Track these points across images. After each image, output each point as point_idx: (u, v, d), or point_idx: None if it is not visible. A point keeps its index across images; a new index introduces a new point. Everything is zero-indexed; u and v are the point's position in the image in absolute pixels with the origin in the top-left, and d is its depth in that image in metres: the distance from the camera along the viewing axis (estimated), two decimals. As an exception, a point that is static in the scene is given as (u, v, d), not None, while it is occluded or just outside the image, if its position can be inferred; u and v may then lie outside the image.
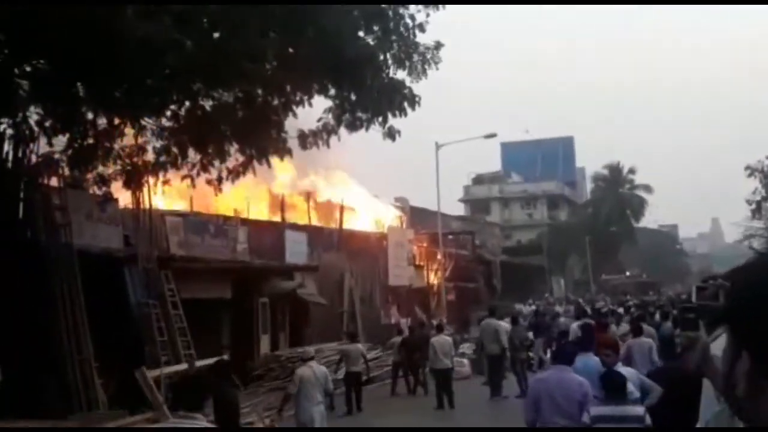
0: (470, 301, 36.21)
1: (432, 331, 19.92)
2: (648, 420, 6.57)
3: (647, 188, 70.50)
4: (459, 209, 69.75)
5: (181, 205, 22.77)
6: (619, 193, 69.68)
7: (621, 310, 26.90)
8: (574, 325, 20.10)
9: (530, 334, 21.98)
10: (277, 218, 27.37)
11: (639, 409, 6.70)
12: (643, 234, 73.81)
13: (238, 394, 9.49)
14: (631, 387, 7.49)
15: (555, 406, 6.98)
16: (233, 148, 12.73)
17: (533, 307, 34.16)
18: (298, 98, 12.31)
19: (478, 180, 77.47)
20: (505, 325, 19.73)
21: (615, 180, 70.59)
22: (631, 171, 71.05)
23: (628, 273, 62.69)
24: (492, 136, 35.29)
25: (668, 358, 8.02)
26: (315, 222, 30.12)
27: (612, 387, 6.68)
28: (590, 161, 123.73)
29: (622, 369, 7.94)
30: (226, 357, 15.48)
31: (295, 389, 10.92)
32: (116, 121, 12.19)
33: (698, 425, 5.62)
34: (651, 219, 76.77)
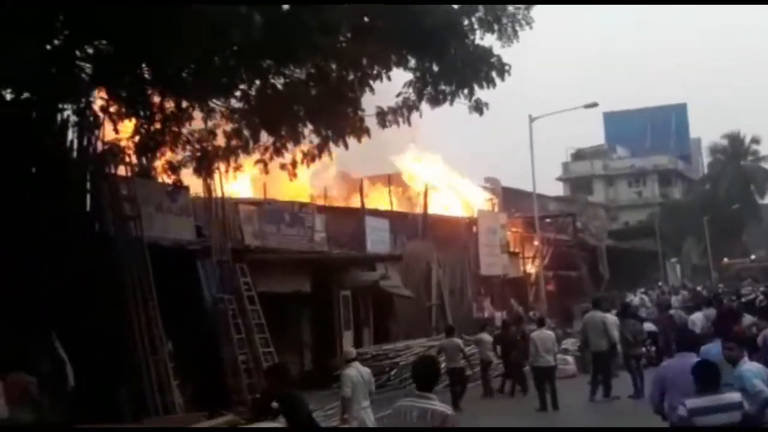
0: (573, 292, 35.66)
1: (531, 325, 19.69)
2: (746, 406, 6.74)
3: (774, 159, 67.90)
4: (557, 189, 68.94)
5: (250, 193, 23.19)
6: (741, 166, 67.54)
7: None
8: (698, 316, 19.50)
9: (648, 327, 21.52)
10: (356, 204, 27.57)
11: (736, 395, 6.87)
12: (771, 212, 71.07)
13: (302, 396, 9.55)
14: (759, 384, 7.26)
15: (679, 393, 7.22)
16: (307, 130, 12.84)
17: (645, 297, 33.32)
18: (375, 72, 12.31)
19: (579, 155, 76.10)
20: (612, 317, 19.26)
21: (736, 151, 68.29)
22: (755, 140, 68.51)
23: (753, 256, 60.26)
24: (593, 105, 34.49)
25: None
26: (397, 207, 30.22)
27: (705, 377, 6.86)
28: (707, 131, 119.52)
29: (749, 364, 7.69)
30: (278, 361, 15.61)
31: (350, 392, 11.01)
32: (184, 104, 12.45)
33: None
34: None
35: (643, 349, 20.12)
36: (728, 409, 6.68)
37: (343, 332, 22.51)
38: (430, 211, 30.28)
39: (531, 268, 35.06)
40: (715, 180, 68.42)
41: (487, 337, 19.87)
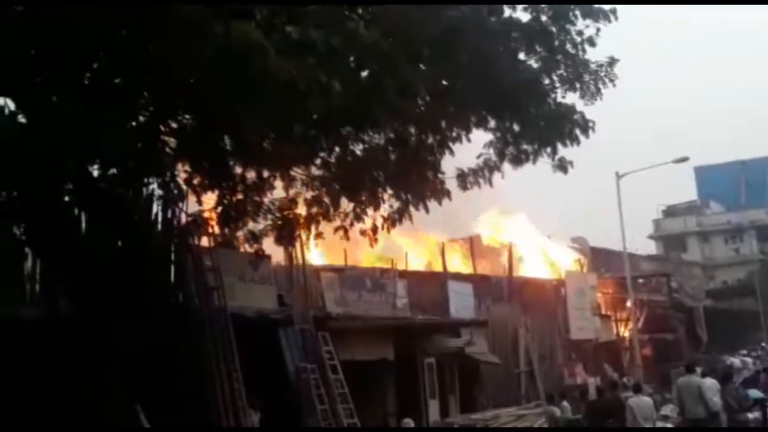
0: (670, 356, 34.49)
1: (627, 392, 19.05)
2: None
3: None
4: (649, 248, 67.37)
5: (325, 260, 23.36)
6: None
7: None
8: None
9: (754, 393, 20.61)
10: (438, 268, 27.50)
11: None
12: None
13: None
14: None
15: None
16: (387, 194, 12.91)
17: (748, 359, 31.95)
18: (454, 134, 12.37)
19: (671, 212, 74.60)
20: (710, 382, 18.51)
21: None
22: None
23: None
24: (684, 160, 33.81)
25: None
26: (480, 270, 30.01)
27: None
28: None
29: None
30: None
31: None
32: (265, 173, 12.72)
33: None
34: None
35: (749, 415, 19.23)
36: None
37: (428, 401, 22.23)
38: (516, 273, 29.96)
39: (624, 332, 34.16)
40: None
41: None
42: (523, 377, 26.22)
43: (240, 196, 12.77)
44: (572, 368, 28.33)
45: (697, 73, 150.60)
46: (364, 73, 10.41)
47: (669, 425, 20.90)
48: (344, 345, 18.10)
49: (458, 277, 27.13)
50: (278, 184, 13.13)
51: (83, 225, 12.74)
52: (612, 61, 12.19)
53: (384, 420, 20.83)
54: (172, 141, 11.82)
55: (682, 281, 47.23)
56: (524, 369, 26.45)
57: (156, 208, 13.83)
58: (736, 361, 31.27)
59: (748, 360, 32.01)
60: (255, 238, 13.98)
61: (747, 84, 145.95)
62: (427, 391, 22.22)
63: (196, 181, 12.34)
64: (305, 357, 17.02)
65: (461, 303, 25.18)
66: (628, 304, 33.33)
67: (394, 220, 13.20)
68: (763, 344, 42.93)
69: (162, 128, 11.66)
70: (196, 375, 13.64)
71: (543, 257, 36.07)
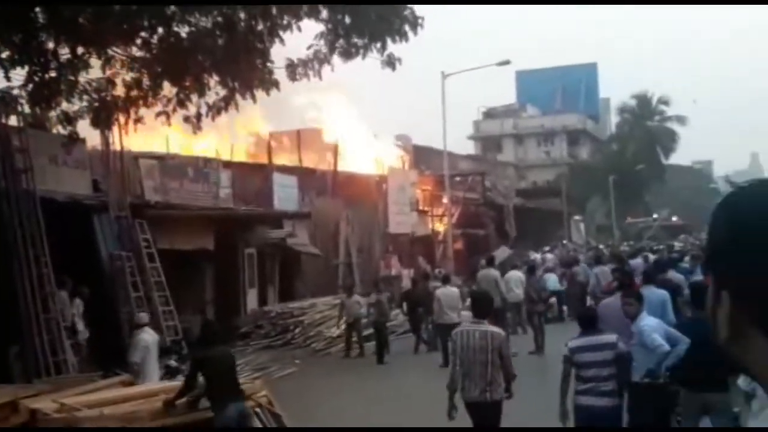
0: (480, 250, 36.42)
1: (437, 282, 20.14)
2: (621, 346, 7.86)
3: (680, 120, 70.02)
4: (468, 147, 69.81)
5: (156, 147, 22.76)
6: (647, 127, 69.40)
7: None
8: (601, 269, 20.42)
9: (553, 285, 22.56)
10: (264, 160, 27.39)
11: (611, 336, 8.00)
12: (674, 172, 73.66)
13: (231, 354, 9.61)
14: (658, 339, 7.70)
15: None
16: (213, 81, 12.64)
17: (549, 255, 34.34)
18: (285, 22, 12.18)
19: (490, 114, 77.23)
20: (517, 274, 20.16)
21: (643, 112, 70.21)
22: (662, 101, 70.55)
23: (655, 216, 62.83)
24: (505, 63, 34.98)
25: (699, 309, 8.16)
26: (306, 164, 30.15)
27: (585, 321, 8.28)
28: (616, 91, 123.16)
29: (648, 320, 8.13)
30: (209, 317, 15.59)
31: (140, 358, 11.11)
32: (81, 51, 12.08)
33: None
34: (683, 155, 76.70)
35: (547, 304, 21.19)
36: (602, 348, 7.84)
37: (247, 290, 22.53)
38: (340, 168, 30.35)
39: (439, 227, 35.59)
40: (622, 140, 70.40)
41: (362, 299, 19.99)
42: (341, 268, 26.99)
43: (53, 74, 12.08)
44: (388, 260, 29.39)
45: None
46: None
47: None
48: (163, 234, 17.92)
49: (283, 169, 27.16)
50: (95, 63, 12.50)
51: None
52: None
53: (202, 308, 20.96)
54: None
55: (495, 180, 49.41)
56: (343, 261, 27.21)
57: (-44, 81, 12.86)
58: (538, 256, 33.48)
59: (549, 256, 34.33)
60: (69, 119, 13.37)
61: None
62: (247, 281, 22.48)
63: (4, 55, 11.55)
64: (121, 245, 16.76)
65: (285, 195, 25.33)
66: (445, 200, 34.71)
67: (219, 108, 12.98)
68: (565, 242, 46.25)
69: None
70: (1, 259, 13.11)
71: (368, 153, 36.58)
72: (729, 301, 1.12)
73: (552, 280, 23.32)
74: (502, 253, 31.94)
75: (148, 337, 11.45)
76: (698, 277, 13.85)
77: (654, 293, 10.85)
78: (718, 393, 7.60)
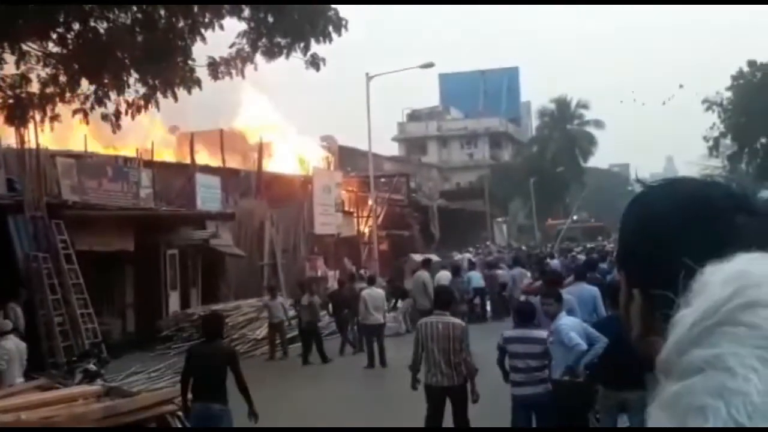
0: (405, 251, 36.61)
1: (362, 283, 20.13)
2: (550, 340, 8.24)
3: (598, 124, 71.57)
4: (393, 149, 70.17)
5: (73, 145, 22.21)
6: (567, 130, 70.58)
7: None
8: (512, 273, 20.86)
9: (477, 283, 22.86)
10: (186, 160, 26.96)
11: (541, 332, 8.55)
12: (593, 174, 75.21)
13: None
14: (575, 337, 7.83)
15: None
16: (133, 78, 12.39)
17: (468, 255, 34.69)
18: (206, 20, 12.02)
19: (414, 116, 77.72)
20: (446, 275, 20.45)
21: (563, 115, 71.42)
22: (581, 105, 71.92)
23: (575, 217, 64.22)
24: (429, 65, 35.28)
25: (615, 308, 8.35)
26: (230, 164, 29.80)
27: (522, 314, 8.92)
28: (536, 95, 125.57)
29: (566, 319, 8.26)
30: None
31: (5, 365, 10.93)
32: (-7, 45, 11.71)
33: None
34: (601, 158, 78.44)
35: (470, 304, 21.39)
36: (531, 342, 8.35)
37: (169, 293, 22.13)
38: (265, 168, 30.09)
39: (365, 228, 35.66)
40: (542, 143, 71.52)
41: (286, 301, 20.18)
42: (266, 270, 26.75)
43: (-37, 69, 11.68)
44: (314, 261, 29.27)
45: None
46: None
47: (399, 316, 22.42)
48: (81, 235, 17.51)
49: (207, 170, 26.80)
50: (9, 58, 12.14)
51: None
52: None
53: (122, 311, 20.52)
54: None
55: (420, 182, 49.83)
56: (268, 262, 26.97)
57: None
58: (463, 257, 33.79)
59: (468, 256, 34.61)
60: (-19, 116, 12.96)
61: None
62: (168, 283, 22.08)
63: None
64: (37, 246, 16.32)
65: (208, 196, 25.01)
66: (370, 202, 34.81)
67: (139, 106, 12.71)
68: (488, 243, 46.84)
69: None
70: None
71: (293, 154, 36.39)
72: (640, 299, 1.12)
73: (476, 278, 23.66)
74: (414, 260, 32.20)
75: (11, 344, 11.15)
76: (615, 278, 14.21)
77: (585, 289, 11.48)
78: (635, 391, 7.72)
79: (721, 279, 0.56)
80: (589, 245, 39.00)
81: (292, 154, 36.03)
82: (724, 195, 1.12)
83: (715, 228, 1.05)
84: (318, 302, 19.84)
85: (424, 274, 19.97)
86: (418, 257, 27.78)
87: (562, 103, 71.85)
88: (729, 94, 53.87)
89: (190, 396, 8.52)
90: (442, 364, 8.75)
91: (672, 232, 1.09)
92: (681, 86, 72.05)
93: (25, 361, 11.56)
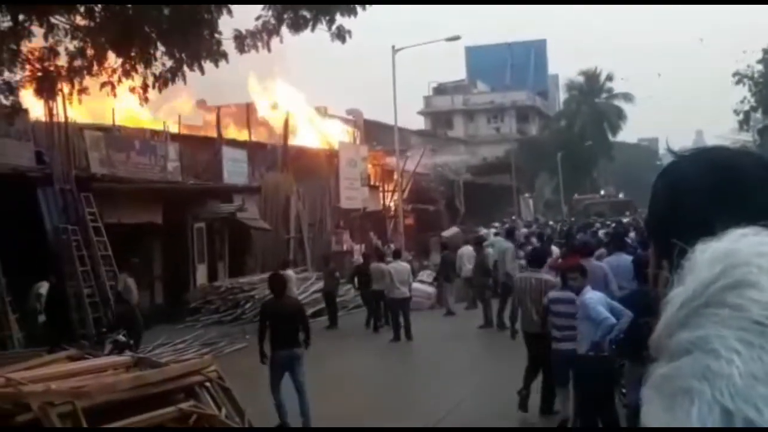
0: (430, 225, 36.62)
1: (388, 258, 20.17)
2: (554, 280, 9.74)
3: (627, 97, 70.87)
4: (419, 123, 69.79)
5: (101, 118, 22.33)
6: (595, 104, 69.99)
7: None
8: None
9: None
10: (213, 133, 27.05)
11: (548, 276, 10.20)
12: (621, 149, 74.60)
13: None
14: (603, 311, 7.78)
15: None
16: (159, 52, 12.40)
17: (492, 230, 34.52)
18: (233, -7, 12.01)
19: (440, 90, 77.25)
20: (468, 250, 20.48)
21: (591, 88, 70.78)
22: (609, 78, 71.24)
23: (602, 192, 63.74)
24: (455, 38, 34.98)
25: (644, 282, 8.31)
26: (256, 138, 29.86)
27: (534, 259, 10.89)
28: (564, 67, 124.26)
29: (591, 293, 8.22)
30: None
31: None
32: (22, 18, 11.75)
33: None
34: (630, 132, 77.62)
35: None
36: (572, 303, 8.58)
37: (196, 266, 22.31)
38: (291, 142, 30.11)
39: (390, 202, 35.63)
40: (570, 117, 70.89)
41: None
42: (292, 243, 26.88)
43: (-8, 42, 11.75)
44: (340, 235, 29.36)
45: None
46: None
47: (429, 289, 22.43)
48: (110, 207, 17.65)
49: (233, 143, 26.88)
50: (37, 31, 12.18)
51: None
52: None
53: (150, 283, 20.72)
54: None
55: (446, 156, 49.55)
56: (294, 235, 27.09)
57: None
58: (486, 231, 33.62)
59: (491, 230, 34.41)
60: (11, 89, 13.08)
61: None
62: (196, 256, 22.25)
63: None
64: (66, 218, 16.46)
65: (235, 169, 25.11)
66: (395, 176, 34.73)
67: (166, 79, 12.73)
68: (514, 218, 46.59)
69: None
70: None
71: (319, 127, 36.37)
72: (668, 270, 1.12)
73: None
74: (450, 232, 32.14)
75: None
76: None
77: (623, 259, 11.54)
78: (660, 365, 7.75)
79: (709, 258, 0.56)
80: (617, 220, 38.60)
81: (318, 128, 35.99)
82: (757, 164, 1.11)
83: (748, 197, 1.04)
84: (338, 275, 20.19)
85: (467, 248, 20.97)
86: (448, 233, 27.93)
87: (590, 77, 71.14)
88: (760, 67, 53.14)
89: (267, 346, 10.00)
90: (533, 313, 10.01)
91: (703, 201, 1.08)
92: (701, 40, 70.75)
93: None
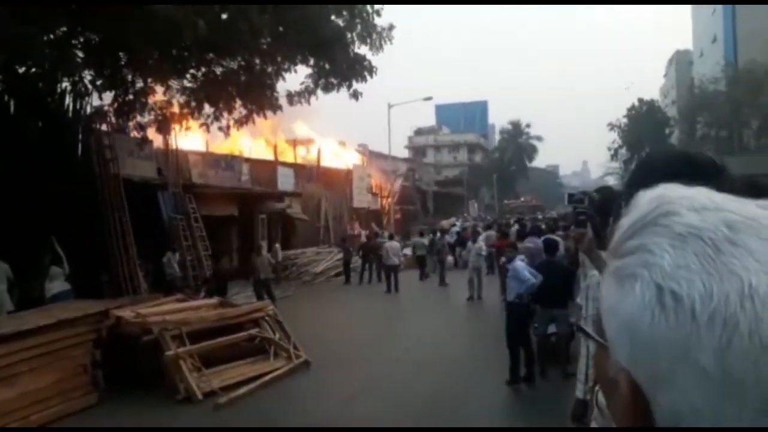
0: (411, 219, 36.62)
1: (384, 239, 20.18)
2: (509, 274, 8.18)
3: (539, 138, 70.82)
4: (404, 153, 69.45)
5: (199, 146, 22.26)
6: (518, 143, 69.59)
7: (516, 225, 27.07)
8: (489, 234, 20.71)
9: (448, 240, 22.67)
10: (272, 158, 26.98)
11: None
12: (534, 172, 74.62)
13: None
14: (527, 274, 7.79)
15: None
16: (238, 104, 12.42)
17: (455, 221, 34.50)
18: (286, 66, 12.02)
19: (419, 132, 77.09)
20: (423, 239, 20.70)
21: (516, 133, 70.56)
22: (528, 125, 71.06)
23: (522, 198, 63.73)
24: (429, 99, 34.98)
25: (549, 255, 8.35)
26: (299, 161, 29.78)
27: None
28: (498, 118, 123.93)
29: (519, 262, 8.22)
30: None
31: None
32: (149, 81, 11.75)
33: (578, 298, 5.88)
34: (540, 161, 77.52)
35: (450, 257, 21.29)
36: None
37: (260, 243, 22.19)
38: (321, 164, 30.06)
39: (385, 204, 35.60)
40: (502, 151, 70.84)
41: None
42: (322, 230, 26.84)
43: (131, 97, 11.76)
44: (353, 224, 29.30)
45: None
46: (224, 16, 9.74)
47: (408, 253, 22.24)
48: (204, 205, 17.60)
49: (285, 164, 26.81)
50: (159, 89, 12.20)
51: (12, 108, 11.22)
52: (391, 27, 12.19)
53: (230, 254, 20.65)
54: (81, 52, 10.51)
55: (421, 175, 49.49)
56: (323, 224, 27.05)
57: (68, 100, 12.41)
58: (445, 222, 33.60)
59: (455, 221, 34.38)
60: (141, 127, 13.08)
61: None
62: (260, 236, 22.18)
63: (98, 83, 11.17)
64: (176, 211, 16.42)
65: (285, 181, 25.07)
66: (389, 187, 34.66)
67: (242, 122, 12.77)
68: (465, 215, 46.56)
69: (74, 42, 10.34)
70: (97, 219, 12.75)
71: (339, 155, 36.25)
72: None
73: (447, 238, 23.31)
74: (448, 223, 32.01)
75: None
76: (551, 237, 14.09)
77: (533, 242, 11.16)
78: (561, 309, 7.77)
79: (647, 199, 0.55)
80: (532, 217, 38.58)
81: (338, 155, 35.85)
82: (710, 161, 1.05)
83: (697, 180, 1.06)
84: (351, 250, 20.20)
85: (419, 238, 21.12)
86: (446, 223, 27.82)
87: (515, 125, 71.05)
88: (625, 120, 54.03)
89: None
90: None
91: (664, 176, 1.08)
92: (627, 88, 70.32)
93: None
